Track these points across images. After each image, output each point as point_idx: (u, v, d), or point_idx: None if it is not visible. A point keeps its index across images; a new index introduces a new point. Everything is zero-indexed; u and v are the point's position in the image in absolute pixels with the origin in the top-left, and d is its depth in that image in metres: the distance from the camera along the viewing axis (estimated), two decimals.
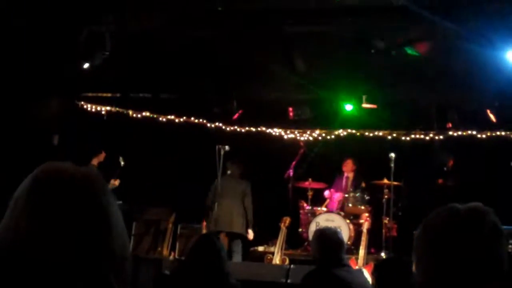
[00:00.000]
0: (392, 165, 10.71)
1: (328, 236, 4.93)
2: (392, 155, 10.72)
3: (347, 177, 11.85)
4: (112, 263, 1.50)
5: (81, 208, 1.49)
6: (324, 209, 11.35)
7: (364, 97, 11.82)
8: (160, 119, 12.62)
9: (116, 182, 11.11)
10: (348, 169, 11.85)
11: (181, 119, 12.65)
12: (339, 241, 4.92)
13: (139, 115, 12.53)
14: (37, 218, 1.47)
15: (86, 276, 1.45)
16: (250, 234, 10.74)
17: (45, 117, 11.23)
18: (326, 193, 11.79)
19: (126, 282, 1.53)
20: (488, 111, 11.54)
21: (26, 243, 1.44)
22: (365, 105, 11.94)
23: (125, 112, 12.57)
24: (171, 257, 10.32)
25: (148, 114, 12.56)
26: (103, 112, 12.52)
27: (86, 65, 10.10)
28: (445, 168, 11.86)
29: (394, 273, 4.76)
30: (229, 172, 10.83)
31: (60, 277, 1.43)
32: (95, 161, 10.90)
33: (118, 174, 11.20)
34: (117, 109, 12.57)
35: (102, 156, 11.01)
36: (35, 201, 1.49)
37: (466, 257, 1.87)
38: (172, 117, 12.62)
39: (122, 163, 11.31)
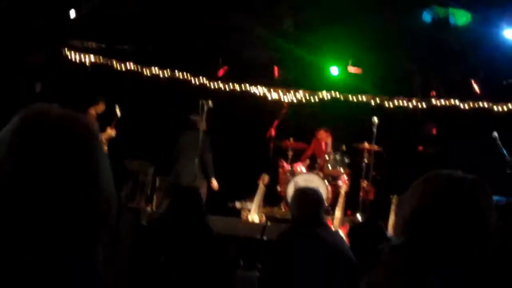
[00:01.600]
0: (375, 129, 10.69)
1: (308, 194, 4.97)
2: (375, 119, 10.68)
3: (326, 143, 11.86)
4: (99, 208, 1.48)
5: (68, 149, 1.45)
6: (304, 169, 11.37)
7: (350, 61, 11.82)
8: (144, 72, 12.50)
9: (113, 132, 10.62)
10: (324, 137, 11.82)
11: (165, 72, 12.54)
12: (319, 200, 4.95)
13: (123, 66, 12.41)
14: (22, 158, 1.43)
15: (70, 223, 1.43)
16: (214, 184, 10.69)
17: (28, 64, 11.07)
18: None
19: (110, 230, 1.52)
20: (473, 82, 11.59)
21: (10, 184, 1.42)
22: (350, 69, 11.94)
23: (109, 63, 12.43)
24: (148, 209, 10.34)
25: (132, 66, 12.43)
26: (87, 64, 12.36)
27: (72, 13, 9.98)
28: (425, 135, 11.93)
29: (368, 236, 4.86)
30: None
31: (43, 221, 1.41)
32: (92, 111, 10.41)
33: (115, 124, 10.73)
34: (101, 59, 12.42)
35: (100, 107, 10.56)
36: (21, 140, 1.45)
37: (452, 219, 1.90)
38: (156, 69, 12.52)
39: (119, 113, 10.83)
